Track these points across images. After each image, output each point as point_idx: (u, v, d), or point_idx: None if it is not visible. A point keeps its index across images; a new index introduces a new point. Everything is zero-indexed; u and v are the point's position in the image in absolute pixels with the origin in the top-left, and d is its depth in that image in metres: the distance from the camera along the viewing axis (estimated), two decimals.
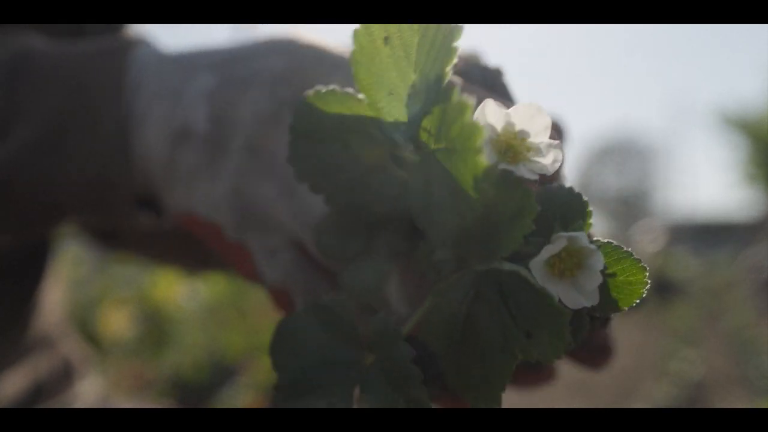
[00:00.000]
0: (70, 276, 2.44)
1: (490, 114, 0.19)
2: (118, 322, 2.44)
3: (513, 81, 0.30)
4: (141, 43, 0.36)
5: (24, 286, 0.54)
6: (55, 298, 0.60)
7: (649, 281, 0.20)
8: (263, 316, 2.67)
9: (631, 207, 34.63)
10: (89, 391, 0.60)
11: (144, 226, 0.36)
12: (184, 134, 0.31)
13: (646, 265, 0.20)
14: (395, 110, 0.22)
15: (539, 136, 0.19)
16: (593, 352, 0.29)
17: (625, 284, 0.20)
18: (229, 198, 0.29)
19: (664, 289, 7.08)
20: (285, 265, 0.29)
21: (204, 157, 0.30)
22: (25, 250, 0.53)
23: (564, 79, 62.75)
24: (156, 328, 2.62)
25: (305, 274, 0.29)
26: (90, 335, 2.26)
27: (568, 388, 2.79)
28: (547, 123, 0.19)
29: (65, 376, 0.59)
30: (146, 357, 2.40)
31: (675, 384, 2.42)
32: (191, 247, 0.49)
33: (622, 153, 34.59)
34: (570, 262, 0.19)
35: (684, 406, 2.17)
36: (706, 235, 23.62)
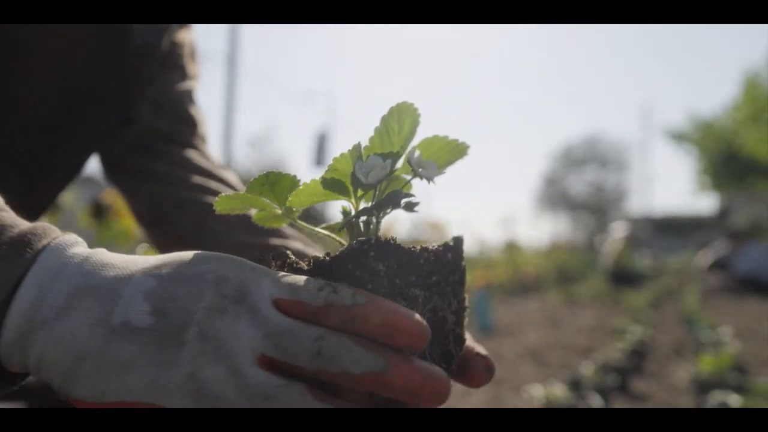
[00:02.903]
0: None
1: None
2: None
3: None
4: (51, 241, 0.37)
5: None
6: None
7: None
8: None
9: (600, 208, 35.22)
10: None
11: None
12: (124, 329, 0.33)
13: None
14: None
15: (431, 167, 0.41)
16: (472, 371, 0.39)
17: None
18: (186, 383, 0.32)
19: (624, 279, 7.47)
20: None
21: (150, 348, 0.33)
22: None
23: (539, 84, 63.47)
24: None
25: None
26: None
27: (532, 354, 3.06)
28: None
29: None
30: None
31: (624, 344, 2.69)
32: None
33: (594, 158, 35.23)
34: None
35: (630, 361, 2.44)
36: (670, 233, 24.32)
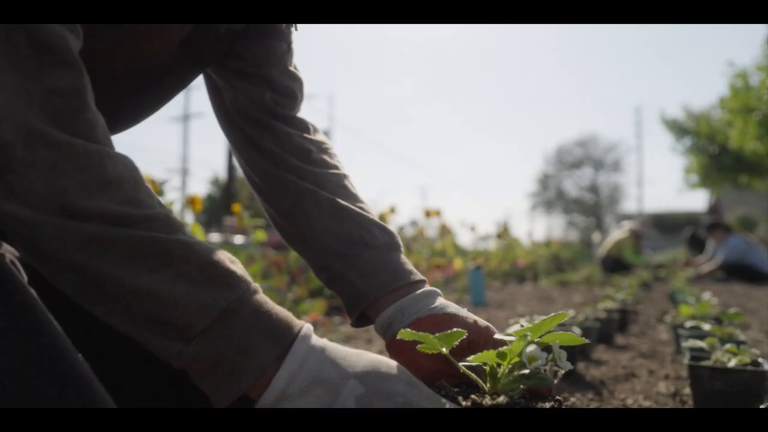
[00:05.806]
0: None
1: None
2: None
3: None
4: (298, 334, 0.53)
5: None
6: None
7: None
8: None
9: (594, 207, 35.24)
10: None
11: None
12: None
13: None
14: None
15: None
16: None
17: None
18: None
19: (617, 267, 7.63)
20: None
21: None
22: None
23: (536, 85, 63.42)
24: None
25: None
26: None
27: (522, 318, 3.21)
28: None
29: None
30: None
31: (609, 304, 2.85)
32: None
33: (589, 159, 35.29)
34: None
35: (614, 316, 2.59)
36: (660, 231, 24.52)
